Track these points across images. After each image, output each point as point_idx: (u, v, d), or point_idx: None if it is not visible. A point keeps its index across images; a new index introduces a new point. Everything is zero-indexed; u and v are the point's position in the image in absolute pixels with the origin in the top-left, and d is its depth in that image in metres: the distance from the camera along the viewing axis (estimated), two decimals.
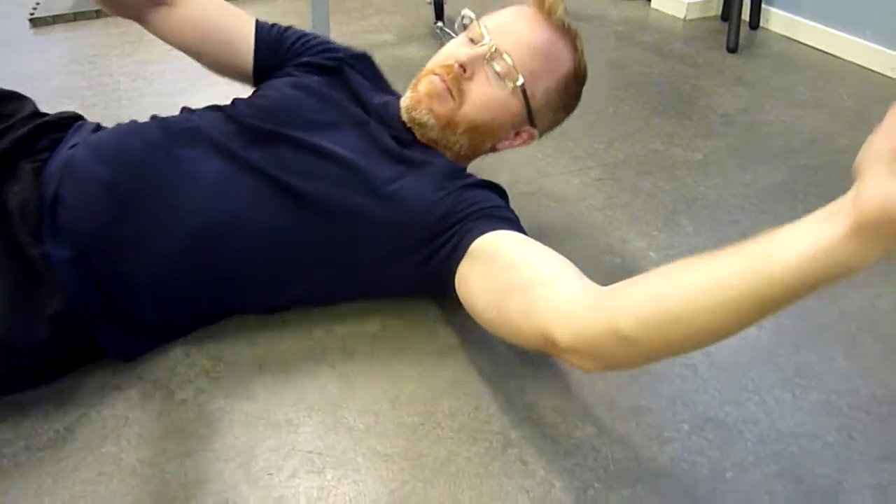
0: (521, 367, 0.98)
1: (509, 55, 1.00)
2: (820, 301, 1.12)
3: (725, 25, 2.18)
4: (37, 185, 0.93)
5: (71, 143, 0.99)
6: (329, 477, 0.83)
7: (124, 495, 0.80)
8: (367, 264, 0.99)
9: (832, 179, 1.46)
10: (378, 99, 1.10)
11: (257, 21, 1.17)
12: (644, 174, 1.47)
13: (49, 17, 2.24)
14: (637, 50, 2.13)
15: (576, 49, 1.07)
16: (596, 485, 0.83)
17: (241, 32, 1.15)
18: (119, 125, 1.04)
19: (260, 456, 0.85)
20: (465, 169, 1.06)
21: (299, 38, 1.17)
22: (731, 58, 2.07)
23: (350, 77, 1.11)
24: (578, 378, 0.97)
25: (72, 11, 2.27)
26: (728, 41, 2.10)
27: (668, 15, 2.40)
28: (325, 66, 1.12)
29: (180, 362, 0.98)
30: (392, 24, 2.28)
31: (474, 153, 1.09)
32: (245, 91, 1.17)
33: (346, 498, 0.81)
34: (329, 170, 0.97)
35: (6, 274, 0.85)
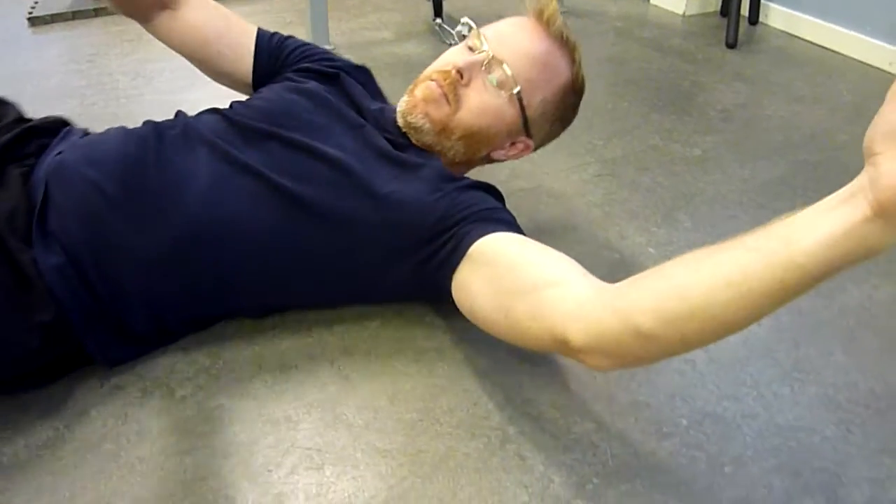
0: (519, 364, 0.99)
1: (507, 64, 1.00)
2: (818, 296, 1.12)
3: (724, 21, 2.18)
4: (25, 191, 0.92)
5: (58, 149, 0.98)
6: (328, 473, 0.83)
7: (124, 493, 0.81)
8: (363, 268, 0.98)
9: (831, 174, 1.46)
10: (374, 105, 1.10)
11: (259, 29, 1.17)
12: (643, 170, 1.47)
13: (47, 15, 2.24)
14: (636, 46, 2.13)
15: (574, 61, 1.06)
16: (595, 480, 0.83)
17: (242, 38, 1.16)
18: (108, 130, 1.04)
19: (259, 452, 0.86)
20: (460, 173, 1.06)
21: (299, 46, 1.18)
22: (730, 53, 2.07)
23: (347, 83, 1.11)
24: (577, 374, 0.97)
25: (70, 10, 2.27)
26: (727, 37, 2.10)
27: (667, 11, 2.40)
28: (324, 73, 1.12)
29: (179, 360, 0.98)
30: (391, 21, 2.28)
31: (469, 161, 1.08)
32: (243, 94, 1.18)
33: (345, 494, 0.81)
34: (324, 172, 0.96)
35: None
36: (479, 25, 1.05)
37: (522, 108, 1.03)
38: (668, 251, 1.22)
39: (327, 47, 2.00)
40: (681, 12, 2.36)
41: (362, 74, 1.18)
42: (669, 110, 1.72)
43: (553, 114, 1.08)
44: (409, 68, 1.88)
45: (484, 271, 0.89)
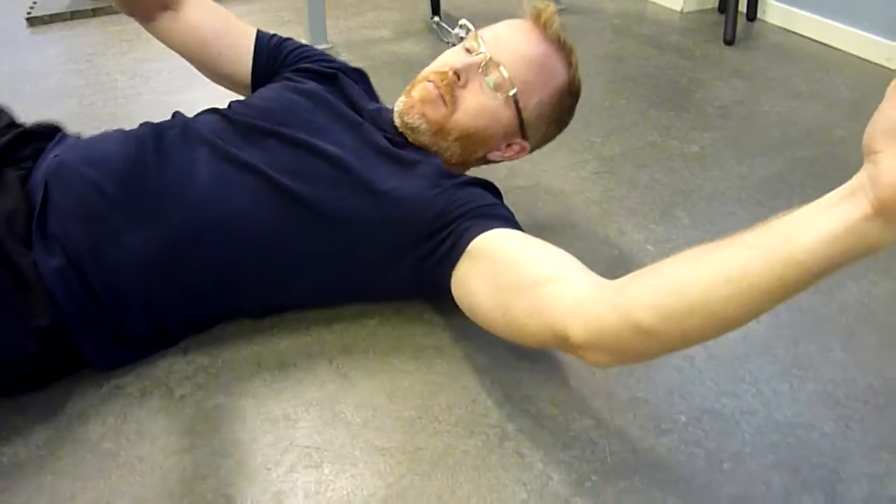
0: (518, 361, 0.99)
1: (504, 66, 1.00)
2: (817, 293, 1.12)
3: (722, 17, 2.18)
4: (24, 194, 0.92)
5: (55, 152, 0.98)
6: (327, 471, 0.83)
7: (123, 492, 0.81)
8: (363, 265, 0.99)
9: (829, 171, 1.46)
10: (371, 105, 1.11)
11: (258, 31, 1.18)
12: (641, 167, 1.47)
13: (46, 15, 2.24)
14: (634, 43, 2.13)
15: (570, 64, 1.06)
16: (593, 477, 0.83)
17: (241, 39, 1.16)
18: (106, 132, 1.04)
19: (258, 451, 0.86)
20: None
21: (298, 47, 1.19)
22: (728, 50, 2.07)
23: (345, 84, 1.12)
24: (576, 371, 0.97)
25: (69, 10, 2.27)
26: (725, 33, 2.10)
27: (664, 7, 2.40)
28: (323, 73, 1.13)
29: (178, 359, 0.98)
30: (388, 19, 2.27)
31: (465, 162, 1.08)
32: (242, 95, 1.18)
33: (344, 492, 0.81)
34: (323, 169, 0.96)
35: None
36: (477, 25, 1.06)
37: (519, 110, 1.03)
38: (666, 248, 1.22)
39: (325, 46, 2.00)
40: (678, 9, 2.36)
41: (359, 76, 1.19)
42: (667, 107, 1.72)
43: (549, 116, 1.08)
44: (407, 67, 1.88)
45: (483, 268, 0.89)
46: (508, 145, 1.09)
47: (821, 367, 0.99)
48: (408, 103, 1.04)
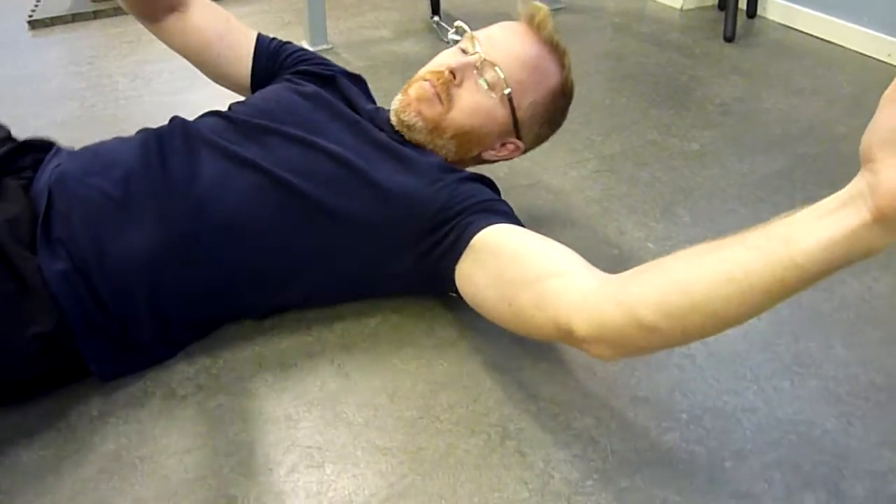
0: (519, 360, 0.99)
1: (498, 66, 1.02)
2: (818, 289, 1.11)
3: (722, 15, 2.17)
4: (27, 201, 0.92)
5: (55, 161, 0.99)
6: (328, 471, 0.84)
7: (125, 492, 0.81)
8: (365, 260, 0.99)
9: (831, 167, 1.45)
10: (369, 106, 1.13)
11: (258, 34, 1.20)
12: (641, 165, 1.47)
13: (47, 18, 2.24)
14: (634, 41, 2.13)
15: (563, 65, 1.09)
16: (595, 475, 0.83)
17: (242, 41, 1.18)
18: (103, 141, 1.04)
19: (260, 451, 0.86)
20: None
21: (297, 50, 1.21)
22: (728, 47, 2.06)
23: (343, 85, 1.14)
24: (576, 369, 0.97)
25: (70, 13, 2.27)
26: (725, 30, 2.09)
27: (664, 5, 2.40)
28: (321, 75, 1.15)
29: (180, 360, 0.98)
30: (388, 19, 2.27)
31: (461, 161, 1.09)
32: (242, 96, 1.18)
33: (346, 492, 0.81)
34: (325, 166, 0.97)
35: None
36: (477, 25, 1.08)
37: (513, 109, 1.05)
38: (667, 246, 1.22)
39: (325, 47, 2.00)
40: (678, 6, 2.36)
41: (357, 80, 1.20)
42: (668, 105, 1.72)
43: (542, 116, 1.10)
44: (407, 66, 1.87)
45: (487, 262, 0.90)
46: (503, 144, 1.10)
47: (822, 363, 0.99)
48: (404, 101, 1.05)
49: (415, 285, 1.05)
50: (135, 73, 1.90)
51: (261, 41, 1.19)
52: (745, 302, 0.64)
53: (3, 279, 0.84)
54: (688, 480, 0.83)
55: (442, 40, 2.07)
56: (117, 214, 0.91)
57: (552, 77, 1.08)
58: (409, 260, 0.98)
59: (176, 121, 1.04)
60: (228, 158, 0.97)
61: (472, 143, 1.07)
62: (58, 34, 2.20)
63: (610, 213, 1.31)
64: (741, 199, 1.36)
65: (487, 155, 1.11)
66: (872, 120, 0.57)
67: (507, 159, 1.14)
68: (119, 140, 1.03)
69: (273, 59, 1.18)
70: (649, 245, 1.23)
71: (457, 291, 0.97)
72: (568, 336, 0.79)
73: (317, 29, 2.01)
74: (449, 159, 1.07)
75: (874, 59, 1.97)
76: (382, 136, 1.03)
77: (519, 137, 1.10)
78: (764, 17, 2.28)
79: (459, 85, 1.03)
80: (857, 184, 0.58)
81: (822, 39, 2.10)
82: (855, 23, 2.02)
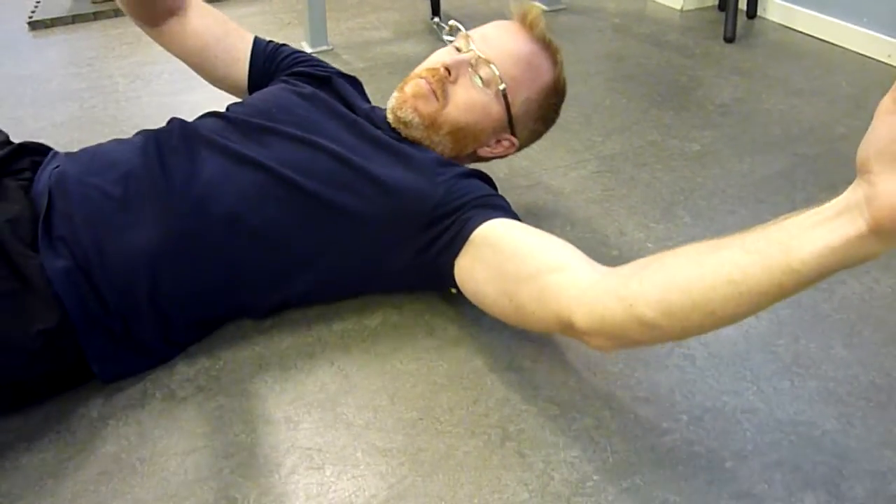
0: (518, 361, 0.99)
1: (493, 62, 1.04)
2: (818, 290, 1.11)
3: (722, 15, 2.17)
4: (27, 202, 0.93)
5: (54, 164, 0.99)
6: (328, 473, 0.84)
7: (125, 494, 0.81)
8: (365, 255, 1.00)
9: (831, 167, 1.45)
10: (365, 105, 1.14)
11: (255, 36, 1.22)
12: (641, 166, 1.47)
13: (47, 19, 2.25)
14: (634, 41, 2.13)
15: (556, 63, 1.11)
16: (595, 477, 0.83)
17: (239, 44, 1.20)
18: (101, 144, 1.05)
19: (260, 453, 0.86)
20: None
21: (293, 52, 1.22)
22: (728, 48, 2.06)
23: (339, 85, 1.15)
24: (577, 371, 0.97)
25: (70, 14, 2.27)
26: (725, 31, 2.09)
27: (664, 6, 2.40)
28: (317, 76, 1.16)
29: (180, 361, 0.98)
30: (389, 20, 2.28)
31: (457, 157, 1.10)
32: (239, 98, 1.18)
33: (346, 493, 0.81)
34: (324, 164, 0.98)
35: None
36: (476, 25, 1.10)
37: (507, 105, 1.07)
38: (667, 247, 1.19)
39: (325, 48, 2.00)
40: (678, 7, 2.36)
41: (353, 81, 1.21)
42: (668, 106, 1.72)
43: (536, 112, 1.12)
44: (407, 67, 1.85)
45: (487, 257, 0.91)
46: (498, 141, 1.12)
47: (822, 364, 0.99)
48: (400, 98, 1.07)
49: (414, 281, 1.06)
50: (135, 74, 1.90)
51: (257, 44, 1.20)
52: (743, 303, 0.66)
53: (5, 277, 0.84)
54: (688, 481, 0.83)
55: (442, 41, 2.07)
56: (118, 214, 0.92)
57: (545, 74, 1.10)
58: (408, 255, 0.99)
59: (174, 122, 1.05)
60: (228, 156, 0.98)
61: (468, 140, 1.09)
62: (58, 35, 2.20)
63: (610, 213, 1.31)
64: (741, 199, 1.36)
65: (483, 151, 1.13)
66: (869, 130, 0.58)
67: (501, 156, 1.16)
68: (118, 141, 1.04)
69: (270, 61, 1.19)
70: (649, 246, 1.23)
71: (457, 287, 0.97)
72: (569, 329, 0.81)
73: (317, 30, 2.01)
74: (445, 156, 1.08)
75: (874, 59, 1.97)
76: (380, 133, 1.04)
77: (513, 134, 1.12)
78: (764, 18, 2.28)
79: (455, 82, 1.05)
80: (854, 193, 0.59)
81: (822, 40, 2.10)
82: (855, 24, 2.02)
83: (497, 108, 1.07)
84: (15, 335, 0.83)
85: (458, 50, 1.07)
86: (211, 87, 1.24)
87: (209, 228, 0.94)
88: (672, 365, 0.99)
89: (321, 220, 0.97)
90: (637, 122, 1.64)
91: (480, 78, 1.05)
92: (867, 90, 1.78)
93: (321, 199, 0.96)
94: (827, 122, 1.63)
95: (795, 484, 0.82)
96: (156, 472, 0.83)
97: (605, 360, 0.98)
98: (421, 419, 0.90)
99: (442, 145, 1.07)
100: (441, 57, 1.08)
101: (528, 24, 1.08)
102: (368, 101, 1.19)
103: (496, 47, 1.06)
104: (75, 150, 1.05)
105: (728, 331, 1.03)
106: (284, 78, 1.15)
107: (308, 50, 1.96)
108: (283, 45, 1.23)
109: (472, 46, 1.05)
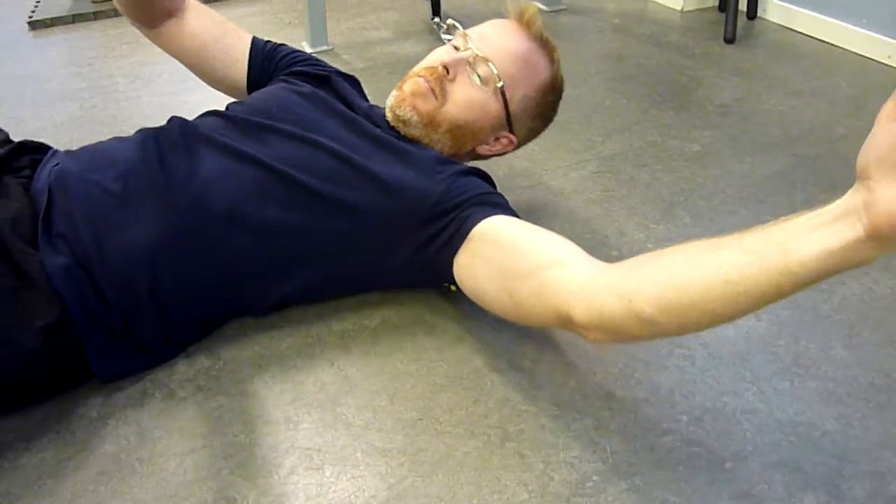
0: (518, 362, 0.99)
1: (490, 60, 1.05)
2: (818, 290, 1.11)
3: (723, 16, 2.17)
4: (27, 199, 0.93)
5: (53, 162, 0.99)
6: (328, 473, 0.84)
7: (124, 494, 0.81)
8: (366, 252, 1.00)
9: (830, 168, 1.45)
10: (364, 103, 1.15)
11: (253, 37, 1.22)
12: (641, 166, 1.47)
13: (47, 19, 2.25)
14: (634, 42, 2.13)
15: (553, 60, 1.12)
16: (595, 477, 0.83)
17: (237, 44, 1.20)
18: (101, 142, 1.05)
19: (259, 453, 0.86)
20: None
21: (291, 52, 1.23)
22: (728, 48, 2.06)
23: (337, 83, 1.15)
24: (576, 371, 0.97)
25: (70, 13, 2.27)
26: (725, 32, 2.09)
27: (665, 6, 2.40)
28: (316, 75, 1.16)
29: (179, 361, 0.98)
30: (389, 20, 2.28)
31: (455, 155, 1.11)
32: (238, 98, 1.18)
33: (345, 494, 0.81)
34: (324, 161, 0.98)
35: None
36: (474, 24, 1.11)
37: (505, 102, 1.08)
38: (667, 247, 1.22)
39: (325, 48, 2.00)
40: (679, 8, 2.36)
41: (352, 80, 1.22)
42: (668, 106, 1.72)
43: (534, 110, 1.13)
44: (407, 67, 1.85)
45: (486, 253, 0.92)
46: (496, 139, 1.13)
47: (822, 365, 0.99)
48: (399, 97, 1.07)
49: (413, 278, 1.06)
50: (135, 74, 1.90)
51: (255, 44, 1.21)
52: (741, 302, 0.67)
53: (5, 274, 0.84)
54: (688, 482, 0.83)
55: (441, 41, 2.07)
56: (117, 210, 0.92)
57: (543, 71, 1.11)
58: (408, 251, 0.99)
59: (174, 120, 1.05)
60: (228, 154, 0.98)
61: (467, 137, 1.10)
62: (58, 35, 2.20)
63: (610, 214, 1.31)
64: (742, 199, 1.35)
65: (482, 149, 1.14)
66: (869, 136, 0.59)
67: (500, 154, 1.17)
68: (117, 139, 1.05)
69: (268, 61, 1.20)
70: (649, 246, 1.23)
71: (455, 284, 0.98)
72: (567, 323, 0.82)
73: (317, 30, 2.01)
74: (444, 154, 1.08)
75: (874, 60, 1.97)
76: (379, 132, 1.05)
77: (512, 131, 1.13)
78: (764, 19, 2.28)
79: (453, 80, 1.06)
80: (853, 198, 0.60)
81: (822, 41, 2.10)
82: (855, 24, 2.02)
83: (495, 106, 1.08)
84: (15, 332, 0.83)
85: (457, 49, 1.08)
86: (211, 87, 1.24)
87: (209, 224, 0.94)
88: (672, 365, 0.99)
89: (321, 215, 0.97)
90: (637, 123, 1.64)
91: (479, 76, 1.06)
92: (867, 91, 1.78)
93: (321, 196, 0.97)
94: (827, 123, 1.63)
95: (795, 484, 0.82)
96: (155, 472, 0.83)
97: (605, 361, 0.98)
98: (421, 419, 0.90)
99: (441, 143, 1.08)
100: (439, 55, 1.08)
101: (524, 23, 1.09)
102: (367, 100, 1.20)
103: (494, 46, 1.06)
104: (75, 148, 1.05)
105: (728, 331, 1.03)
106: (284, 77, 1.16)
107: (308, 50, 1.96)
108: (282, 44, 1.24)
109: (470, 45, 1.06)
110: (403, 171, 0.99)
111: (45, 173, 0.96)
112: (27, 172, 0.99)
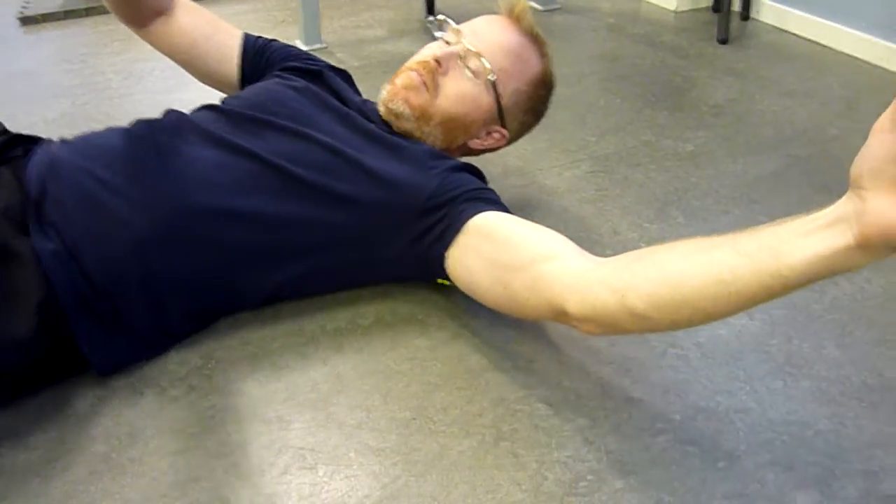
0: (512, 361, 0.98)
1: (482, 54, 1.06)
2: (810, 290, 1.12)
3: (716, 17, 2.18)
4: (19, 186, 0.93)
5: (46, 150, 0.99)
6: (321, 473, 0.83)
7: (115, 494, 0.80)
8: (359, 244, 1.01)
9: (823, 168, 1.45)
10: (357, 98, 1.15)
11: (244, 33, 1.22)
12: (635, 166, 1.47)
13: (39, 15, 2.23)
14: (628, 42, 2.13)
15: (544, 55, 1.13)
16: (589, 477, 0.83)
17: (228, 41, 1.20)
18: (96, 131, 1.05)
19: (252, 453, 0.85)
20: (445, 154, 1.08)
21: (283, 47, 1.23)
22: (722, 49, 2.07)
23: (330, 78, 1.16)
24: (570, 370, 0.97)
25: (62, 10, 2.26)
26: (719, 32, 2.10)
27: (659, 7, 2.40)
28: (308, 70, 1.17)
29: (171, 360, 0.98)
30: (383, 18, 2.27)
31: (447, 149, 1.11)
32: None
33: (339, 493, 0.81)
34: (319, 156, 0.99)
35: None
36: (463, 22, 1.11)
37: (497, 96, 1.09)
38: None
39: (319, 46, 2.00)
40: (673, 8, 2.36)
41: (344, 75, 1.22)
42: (662, 106, 1.72)
43: (526, 104, 1.14)
44: (402, 65, 1.87)
45: (480, 247, 0.93)
46: (488, 133, 1.14)
47: (815, 364, 0.99)
48: (391, 91, 1.08)
49: (406, 271, 1.06)
50: (127, 71, 1.89)
51: (247, 40, 1.21)
52: (732, 302, 0.68)
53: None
54: (681, 481, 0.83)
55: (435, 38, 2.07)
56: (110, 198, 0.92)
57: (534, 66, 1.12)
58: (401, 244, 0.99)
59: (170, 113, 1.06)
60: (222, 146, 0.99)
61: (459, 131, 1.10)
62: (50, 31, 2.19)
63: (604, 213, 1.31)
64: (734, 199, 1.36)
65: (474, 143, 1.14)
66: (864, 146, 0.60)
67: (492, 149, 1.17)
68: (111, 129, 1.04)
69: (260, 57, 1.20)
70: (643, 245, 1.22)
71: (447, 278, 0.98)
72: (561, 316, 0.84)
73: (311, 28, 2.00)
74: (437, 148, 1.09)
75: (867, 62, 1.98)
76: (372, 126, 1.06)
77: (504, 125, 1.13)
78: (758, 20, 2.28)
79: (445, 73, 1.07)
80: (845, 206, 0.61)
81: (815, 42, 2.11)
82: (848, 26, 2.03)
83: (487, 100, 1.08)
84: (6, 316, 0.83)
85: (448, 43, 1.09)
86: (203, 84, 1.24)
87: (202, 216, 0.94)
88: (666, 365, 0.99)
89: (315, 208, 0.98)
90: (631, 123, 1.65)
91: (470, 69, 1.06)
92: (859, 92, 1.79)
93: (316, 188, 0.97)
94: (819, 124, 1.64)
95: (788, 484, 0.83)
96: (147, 471, 0.83)
97: (599, 360, 0.99)
98: (414, 419, 0.90)
99: (433, 136, 1.08)
100: (431, 50, 1.09)
101: (515, 17, 1.10)
102: (359, 94, 1.20)
103: (485, 40, 1.07)
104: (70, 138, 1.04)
105: (721, 331, 1.03)
106: (277, 73, 1.16)
107: (302, 48, 1.95)
108: (273, 40, 1.24)
109: (462, 39, 1.07)
110: (397, 166, 1.00)
111: (38, 162, 0.96)
112: (21, 162, 0.98)
